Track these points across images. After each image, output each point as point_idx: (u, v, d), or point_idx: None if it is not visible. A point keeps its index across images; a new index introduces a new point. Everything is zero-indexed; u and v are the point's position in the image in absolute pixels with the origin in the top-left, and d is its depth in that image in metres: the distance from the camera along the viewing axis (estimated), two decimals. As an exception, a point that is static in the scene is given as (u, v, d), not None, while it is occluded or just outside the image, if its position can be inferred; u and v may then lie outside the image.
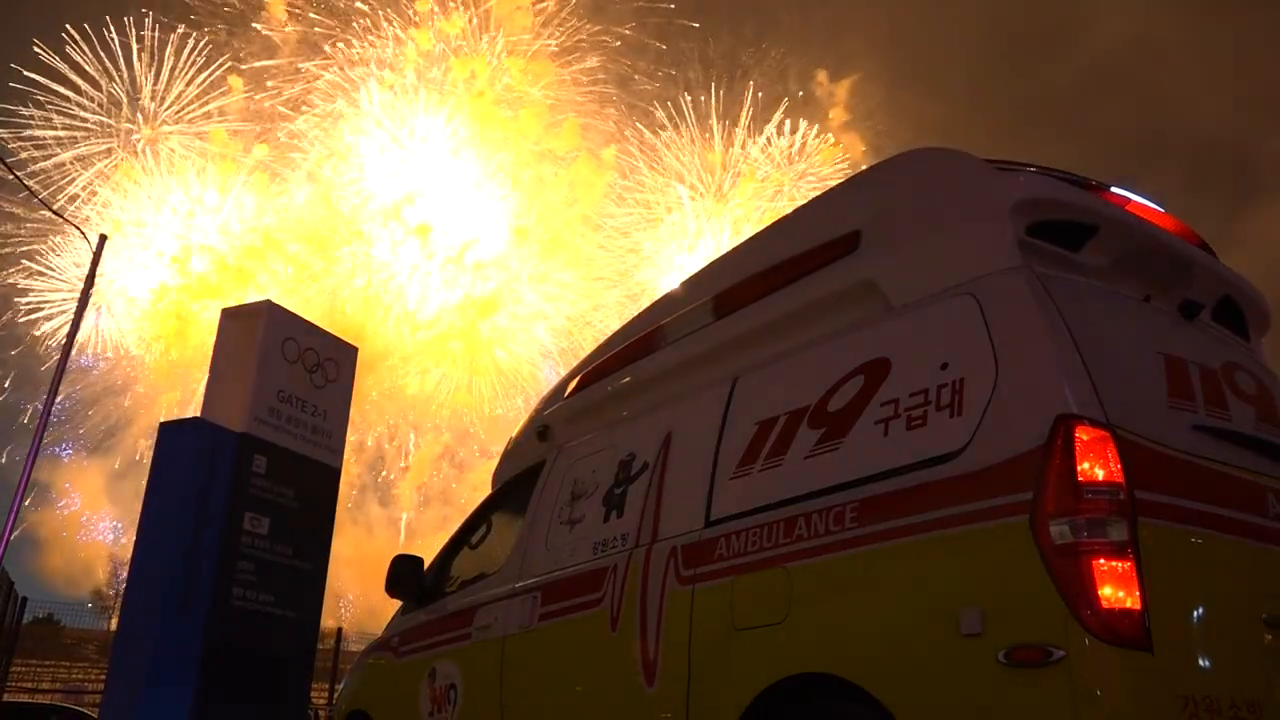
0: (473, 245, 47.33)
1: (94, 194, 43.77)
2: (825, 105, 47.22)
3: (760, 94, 46.68)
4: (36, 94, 42.80)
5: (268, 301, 7.02)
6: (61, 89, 43.26)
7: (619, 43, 47.36)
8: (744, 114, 46.62)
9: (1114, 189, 3.27)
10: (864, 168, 4.01)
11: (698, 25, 47.82)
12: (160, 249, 45.22)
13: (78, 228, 13.16)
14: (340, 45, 45.31)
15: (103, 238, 10.15)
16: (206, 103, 44.72)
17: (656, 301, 4.53)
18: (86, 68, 43.81)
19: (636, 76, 47.05)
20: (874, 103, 46.95)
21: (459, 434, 47.74)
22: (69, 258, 41.98)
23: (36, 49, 42.42)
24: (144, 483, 6.58)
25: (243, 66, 44.75)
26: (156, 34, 44.16)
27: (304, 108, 45.57)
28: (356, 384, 7.51)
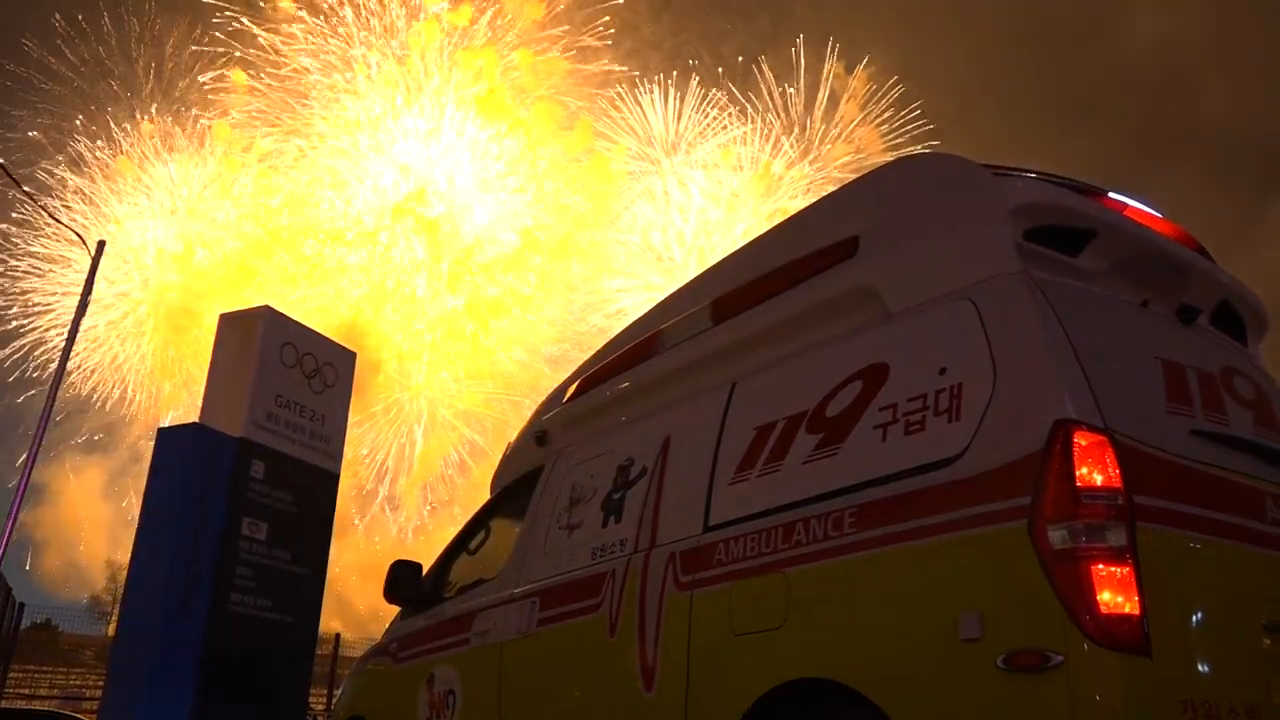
0: (480, 245, 47.33)
1: (91, 196, 43.77)
2: (841, 100, 47.00)
3: (774, 95, 46.59)
4: (29, 95, 42.78)
5: (266, 306, 7.02)
6: (57, 87, 43.24)
7: (629, 41, 47.26)
8: (755, 114, 46.52)
9: (1111, 194, 3.28)
10: (861, 172, 4.01)
11: (729, 28, 47.65)
12: (161, 247, 45.20)
13: (77, 233, 13.15)
14: (345, 37, 45.30)
15: (101, 244, 10.12)
16: (208, 98, 44.72)
17: (655, 306, 4.53)
18: (82, 68, 43.81)
19: (649, 75, 46.91)
20: (891, 98, 46.90)
21: (464, 436, 47.71)
22: (64, 260, 41.93)
23: (26, 45, 42.39)
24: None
25: (239, 57, 44.69)
26: (158, 27, 44.23)
27: (307, 102, 45.58)
28: (360, 388, 7.52)
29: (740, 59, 46.90)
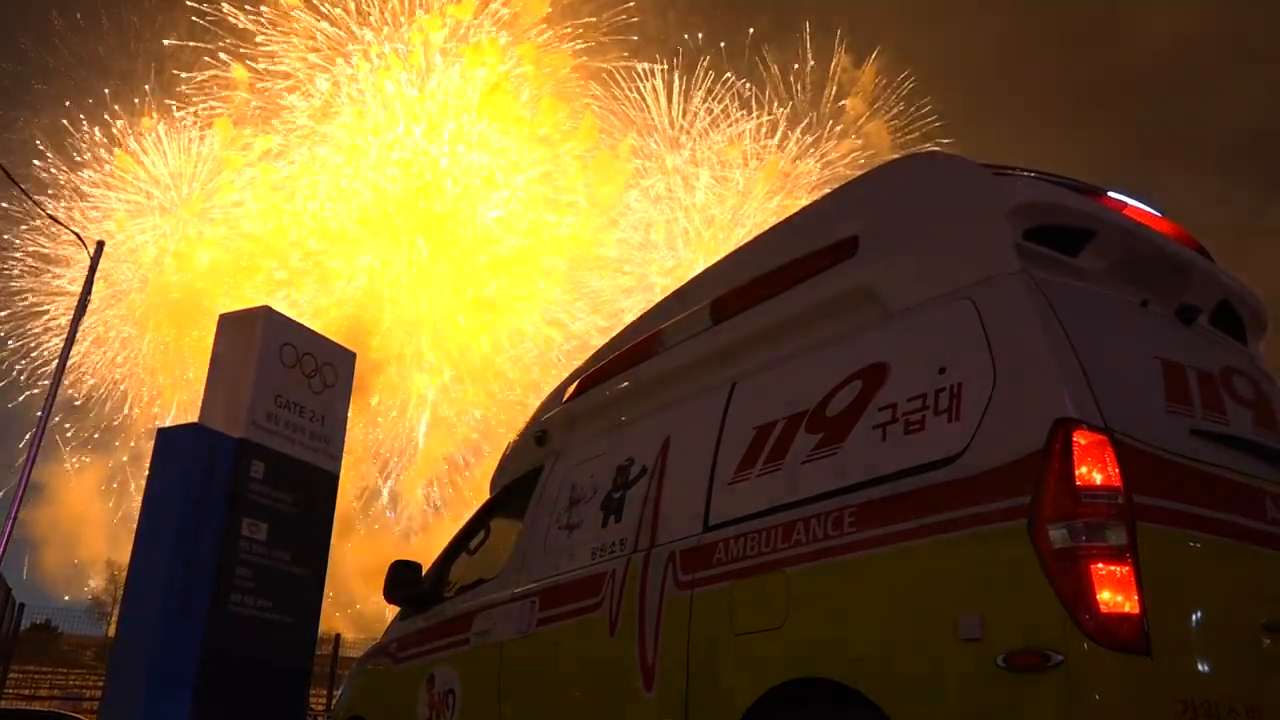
0: (483, 243, 47.31)
1: (90, 196, 43.74)
2: (849, 95, 47.09)
3: (780, 89, 46.56)
4: (27, 95, 42.78)
5: (265, 307, 7.03)
6: (56, 85, 43.24)
7: (638, 37, 47.17)
8: (762, 113, 46.48)
9: (1111, 193, 3.28)
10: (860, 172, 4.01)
11: (734, 23, 47.66)
12: (160, 245, 45.21)
13: (76, 233, 13.12)
14: (346, 29, 45.27)
15: (100, 244, 10.11)
16: (208, 94, 44.69)
17: (655, 306, 4.53)
18: (80, 67, 43.80)
19: (653, 72, 46.81)
20: (901, 93, 46.94)
21: (465, 436, 47.62)
22: (62, 259, 41.90)
23: (23, 45, 42.40)
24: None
25: (240, 53, 44.66)
26: (158, 23, 44.21)
27: (308, 99, 45.54)
28: (362, 388, 7.55)
29: (746, 53, 46.98)
